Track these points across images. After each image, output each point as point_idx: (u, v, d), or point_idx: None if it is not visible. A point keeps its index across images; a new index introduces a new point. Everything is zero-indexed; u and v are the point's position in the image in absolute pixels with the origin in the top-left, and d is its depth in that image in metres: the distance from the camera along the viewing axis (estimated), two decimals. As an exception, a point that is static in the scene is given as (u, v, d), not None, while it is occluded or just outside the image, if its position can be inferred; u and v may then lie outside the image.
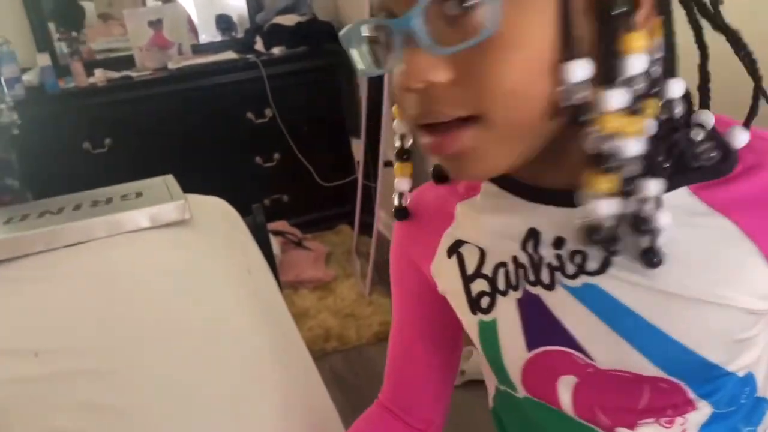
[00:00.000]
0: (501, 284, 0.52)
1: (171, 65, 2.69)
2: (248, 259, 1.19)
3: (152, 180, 1.45)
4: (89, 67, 2.64)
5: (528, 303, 0.51)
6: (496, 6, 0.39)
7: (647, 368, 0.48)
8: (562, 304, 0.49)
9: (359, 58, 0.46)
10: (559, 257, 0.49)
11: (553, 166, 0.47)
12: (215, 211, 1.42)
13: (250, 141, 2.75)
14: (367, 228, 2.63)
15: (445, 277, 0.56)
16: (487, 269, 0.52)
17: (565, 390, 0.52)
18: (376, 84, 2.41)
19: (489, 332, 0.53)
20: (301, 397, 0.85)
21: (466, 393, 1.92)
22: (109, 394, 0.82)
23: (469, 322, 0.55)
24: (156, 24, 2.76)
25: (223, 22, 3.14)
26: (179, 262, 1.09)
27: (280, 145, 2.77)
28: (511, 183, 0.51)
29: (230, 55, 2.78)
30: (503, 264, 0.51)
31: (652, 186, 0.42)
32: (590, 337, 0.49)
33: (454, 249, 0.55)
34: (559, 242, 0.48)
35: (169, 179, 1.45)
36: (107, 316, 0.93)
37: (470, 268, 0.54)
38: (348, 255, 2.83)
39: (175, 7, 2.90)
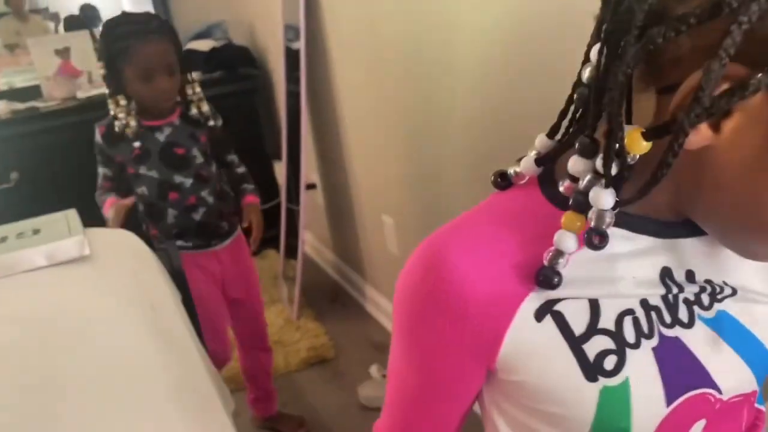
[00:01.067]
0: (630, 336, 0.45)
1: (80, 94, 2.60)
2: (152, 294, 1.14)
3: (52, 215, 1.39)
4: (-8, 98, 2.52)
5: (666, 349, 0.46)
6: None
7: (752, 383, 0.49)
8: (701, 340, 0.47)
9: None
10: (697, 291, 0.47)
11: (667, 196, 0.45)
12: (121, 246, 1.37)
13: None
14: (292, 251, 2.60)
15: (530, 347, 0.46)
16: (607, 322, 0.45)
17: None
18: (293, 106, 2.40)
19: (617, 397, 0.45)
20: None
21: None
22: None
23: (582, 393, 0.45)
24: (63, 52, 2.67)
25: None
26: (76, 302, 1.04)
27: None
28: (638, 222, 0.47)
29: (143, 81, 2.71)
30: (629, 311, 0.46)
31: None
32: (722, 367, 0.47)
33: (546, 310, 0.45)
34: (690, 275, 0.47)
35: (71, 213, 1.38)
36: (5, 364, 0.87)
37: (579, 327, 0.45)
38: (274, 280, 2.79)
39: (83, 35, 2.81)
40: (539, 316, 0.45)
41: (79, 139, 2.52)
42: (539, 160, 0.48)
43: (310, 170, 2.60)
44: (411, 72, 1.71)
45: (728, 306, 0.49)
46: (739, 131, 0.38)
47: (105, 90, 2.67)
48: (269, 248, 2.98)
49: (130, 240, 1.39)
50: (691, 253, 0.48)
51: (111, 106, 1.53)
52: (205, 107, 1.61)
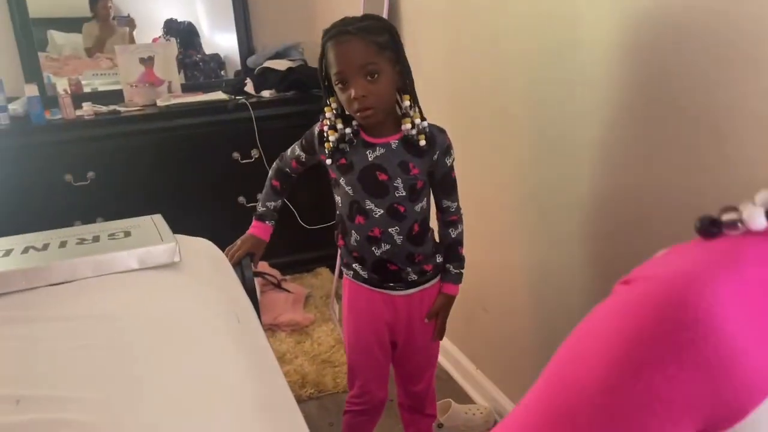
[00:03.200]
0: None
1: (160, 102, 2.70)
2: (237, 306, 1.18)
3: (140, 219, 1.44)
4: (77, 100, 2.63)
5: None
6: None
7: None
8: None
9: None
10: None
11: None
12: (202, 254, 1.41)
13: (234, 181, 2.75)
14: (347, 273, 2.62)
15: None
16: None
17: None
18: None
19: None
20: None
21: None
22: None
23: None
24: (147, 61, 2.78)
25: (214, 62, 3.18)
26: (168, 308, 1.08)
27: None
28: None
29: (219, 95, 2.80)
30: None
31: None
32: None
33: None
34: None
35: (158, 219, 1.44)
36: (93, 363, 0.91)
37: None
38: (326, 299, 2.81)
39: (166, 45, 2.92)
40: None
41: (155, 146, 2.63)
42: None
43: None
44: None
45: None
46: None
47: (184, 100, 2.77)
48: (322, 266, 3.02)
49: (212, 250, 1.44)
50: None
51: (326, 111, 1.41)
52: (423, 125, 1.37)
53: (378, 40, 1.29)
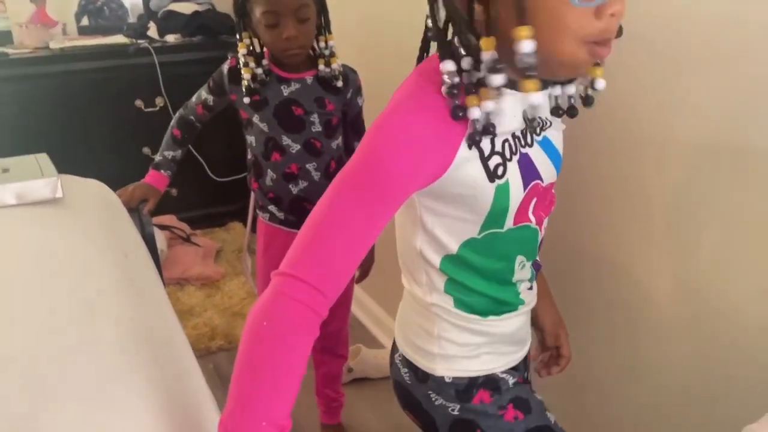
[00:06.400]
0: (507, 154, 0.75)
1: (53, 45, 2.52)
2: (125, 244, 1.12)
3: (23, 157, 1.34)
4: (-41, 40, 2.42)
5: (522, 160, 0.77)
6: None
7: (555, 176, 0.84)
8: (535, 153, 0.79)
9: None
10: (533, 126, 0.78)
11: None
12: (93, 194, 1.33)
13: (138, 130, 2.61)
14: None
15: (465, 164, 0.72)
16: (497, 147, 0.74)
17: (531, 209, 0.81)
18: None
19: (503, 190, 0.75)
20: (180, 392, 0.80)
21: (354, 390, 1.93)
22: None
23: (486, 189, 0.74)
24: (38, 0, 2.58)
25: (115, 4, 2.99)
26: (48, 243, 1.01)
27: (171, 136, 2.66)
28: (511, 84, 0.71)
29: (120, 39, 2.65)
30: (506, 140, 0.75)
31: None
32: (543, 167, 0.80)
33: (473, 140, 0.71)
34: (531, 116, 0.77)
35: (42, 157, 1.34)
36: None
37: (486, 151, 0.73)
38: (238, 253, 2.75)
39: (61, -17, 2.72)
40: (469, 146, 0.72)
41: (49, 91, 2.45)
42: None
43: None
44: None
45: (548, 132, 0.81)
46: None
47: (80, 43, 2.60)
48: (235, 221, 2.95)
49: (104, 191, 1.36)
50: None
51: (239, 48, 1.37)
52: (337, 66, 1.40)
53: None
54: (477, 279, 0.82)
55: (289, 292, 0.67)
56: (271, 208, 1.48)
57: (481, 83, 0.68)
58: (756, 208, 0.92)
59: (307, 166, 1.41)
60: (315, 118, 1.40)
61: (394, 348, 0.94)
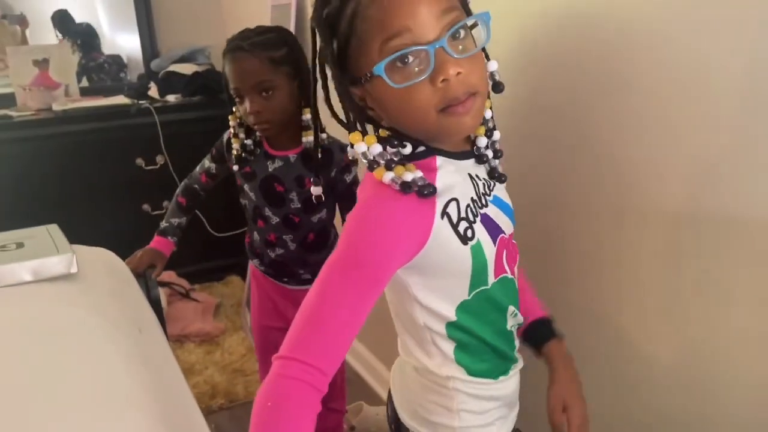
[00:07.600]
0: (471, 217, 0.82)
1: (56, 106, 2.57)
2: (139, 316, 1.15)
3: (34, 229, 1.37)
4: (-38, 103, 2.47)
5: (484, 219, 0.85)
6: (485, 30, 0.78)
7: (512, 227, 0.91)
8: (492, 211, 0.87)
9: (390, 75, 0.73)
10: (485, 188, 0.87)
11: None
12: (102, 264, 1.36)
13: (138, 187, 2.66)
14: (258, 280, 2.59)
15: (439, 232, 0.79)
16: (462, 212, 0.81)
17: (505, 260, 0.88)
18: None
19: (477, 249, 0.82)
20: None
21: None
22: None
23: (462, 252, 0.81)
24: (41, 63, 2.64)
25: (115, 64, 3.07)
26: (64, 320, 1.04)
27: (171, 193, 2.69)
28: (451, 155, 0.83)
29: (122, 99, 2.71)
30: (468, 205, 0.82)
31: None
32: (501, 221, 0.88)
33: (444, 211, 0.79)
34: (478, 179, 0.86)
35: (53, 229, 1.38)
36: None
37: (454, 218, 0.80)
38: (237, 307, 2.77)
39: (62, 46, 2.79)
40: (441, 216, 0.79)
41: (51, 152, 2.50)
42: None
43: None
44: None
45: (495, 191, 0.89)
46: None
47: (82, 104, 2.65)
48: (233, 275, 2.97)
49: (113, 260, 1.39)
50: (476, 167, 0.87)
51: (230, 120, 1.43)
52: (309, 140, 1.38)
53: (274, 55, 1.31)
54: (481, 327, 0.88)
55: (289, 372, 0.72)
56: (256, 261, 1.59)
57: (404, 158, 0.79)
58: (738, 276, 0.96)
59: (284, 237, 1.49)
60: (294, 195, 1.43)
61: (399, 425, 0.96)
